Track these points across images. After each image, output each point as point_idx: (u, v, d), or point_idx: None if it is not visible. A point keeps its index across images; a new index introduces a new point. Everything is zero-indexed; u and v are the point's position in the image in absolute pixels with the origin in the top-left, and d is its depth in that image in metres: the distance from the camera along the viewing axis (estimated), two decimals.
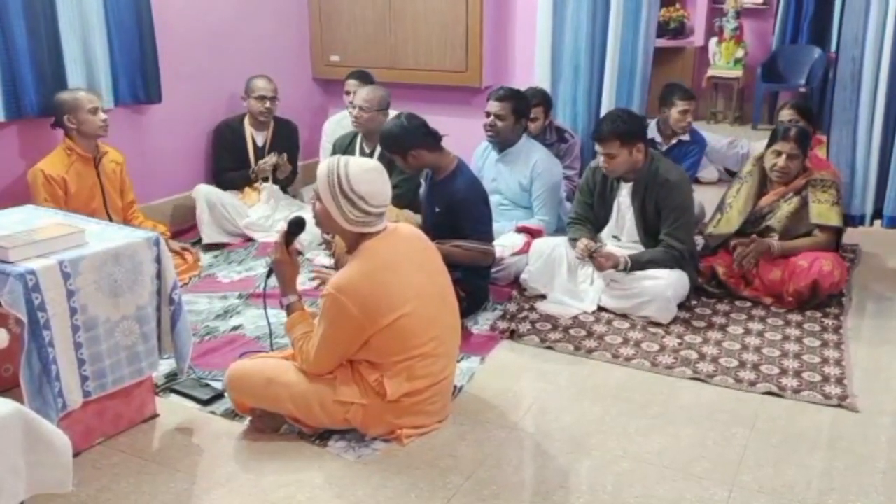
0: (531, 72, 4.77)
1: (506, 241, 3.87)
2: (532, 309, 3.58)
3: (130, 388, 2.56)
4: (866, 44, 4.11)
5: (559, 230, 4.10)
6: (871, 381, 2.98)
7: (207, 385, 2.86)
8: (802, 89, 7.51)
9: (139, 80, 4.32)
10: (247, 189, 4.66)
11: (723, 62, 7.79)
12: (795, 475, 2.38)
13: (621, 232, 3.69)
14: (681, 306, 3.53)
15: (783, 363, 3.09)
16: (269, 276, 2.68)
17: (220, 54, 4.84)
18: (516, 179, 4.14)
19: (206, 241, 4.41)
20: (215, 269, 4.08)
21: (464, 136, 4.12)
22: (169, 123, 4.60)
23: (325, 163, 2.47)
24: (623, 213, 3.67)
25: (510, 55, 5.06)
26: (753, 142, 6.12)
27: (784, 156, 3.67)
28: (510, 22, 5.02)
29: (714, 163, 5.94)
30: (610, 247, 3.64)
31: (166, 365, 2.85)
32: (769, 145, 3.79)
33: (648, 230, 3.60)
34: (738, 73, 7.75)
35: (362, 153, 4.28)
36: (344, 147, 4.38)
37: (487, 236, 3.44)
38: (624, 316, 3.50)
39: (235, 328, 3.38)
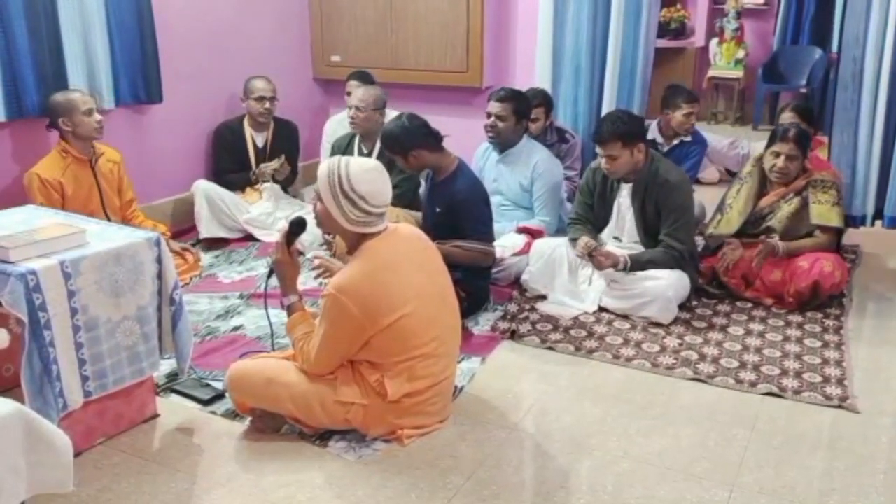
0: (532, 72, 4.77)
1: (506, 242, 3.87)
2: (533, 309, 3.58)
3: (131, 388, 2.56)
4: (867, 44, 4.11)
5: (560, 231, 4.10)
6: (871, 381, 2.98)
7: (208, 385, 2.86)
8: (803, 90, 7.51)
9: (140, 80, 4.32)
10: (248, 189, 4.66)
11: (723, 63, 7.79)
12: (796, 476, 2.38)
13: (622, 232, 3.69)
14: (681, 307, 3.53)
15: (784, 364, 3.09)
16: (269, 276, 2.68)
17: (221, 54, 4.84)
18: (517, 180, 4.14)
19: (203, 234, 4.41)
20: (216, 270, 4.08)
21: (465, 137, 4.12)
22: (170, 123, 4.60)
23: (326, 163, 2.47)
24: (623, 214, 3.67)
25: (511, 56, 5.06)
26: (754, 142, 6.12)
27: (783, 157, 3.67)
28: (511, 22, 5.02)
29: (715, 163, 5.94)
30: (610, 247, 3.64)
31: (167, 365, 2.85)
32: (768, 146, 3.79)
33: (649, 231, 3.60)
34: (738, 73, 7.75)
35: (360, 154, 4.28)
36: (342, 148, 4.38)
37: (488, 237, 3.44)
38: (625, 316, 3.50)
39: (236, 328, 3.38)
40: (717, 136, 6.20)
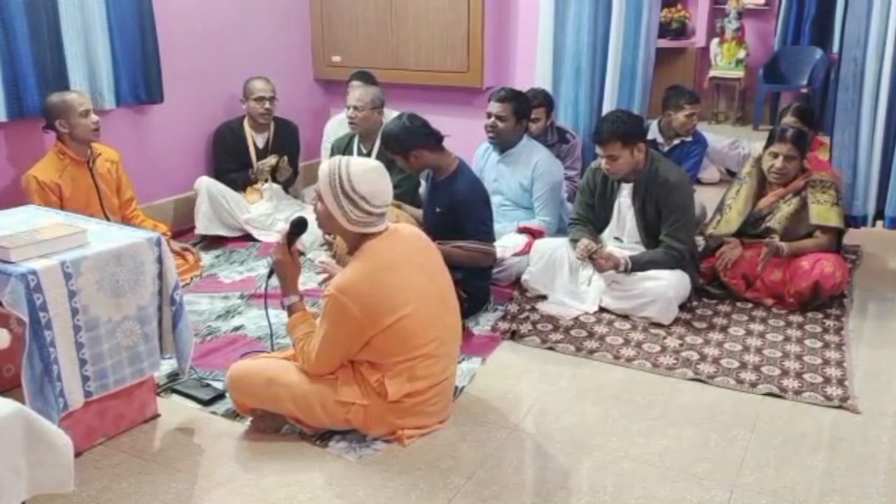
0: (532, 73, 4.77)
1: (507, 242, 3.87)
2: (533, 310, 3.58)
3: (132, 388, 2.56)
4: (868, 45, 4.11)
5: (560, 231, 4.10)
6: (872, 382, 2.98)
7: (208, 385, 2.86)
8: (804, 90, 7.51)
9: (141, 80, 4.32)
10: (249, 189, 4.67)
11: (724, 63, 7.79)
12: (796, 476, 2.38)
13: (623, 233, 3.69)
14: (682, 307, 3.52)
15: (784, 364, 3.09)
16: (270, 276, 2.68)
17: (222, 54, 4.84)
18: (517, 180, 4.14)
19: (199, 230, 4.43)
20: (216, 270, 4.08)
21: (465, 137, 4.12)
22: (170, 123, 4.60)
23: (327, 163, 2.47)
24: (624, 215, 3.66)
25: (511, 56, 5.07)
26: (755, 143, 6.11)
27: (781, 157, 3.67)
28: (511, 23, 5.02)
29: (715, 163, 5.94)
30: (610, 248, 3.64)
31: (167, 365, 2.86)
32: (766, 147, 3.79)
33: (649, 231, 3.60)
34: (739, 73, 7.75)
35: (360, 154, 4.29)
36: (342, 149, 4.39)
37: (488, 237, 3.44)
38: (625, 317, 3.50)
39: (237, 328, 3.38)
40: (718, 137, 6.20)
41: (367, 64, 5.15)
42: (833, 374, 3.01)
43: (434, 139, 3.36)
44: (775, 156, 3.70)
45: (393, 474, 2.38)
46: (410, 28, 5.15)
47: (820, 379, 2.97)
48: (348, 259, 2.52)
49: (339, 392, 2.44)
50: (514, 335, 3.33)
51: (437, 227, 3.33)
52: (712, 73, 7.87)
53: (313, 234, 3.86)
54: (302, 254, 4.02)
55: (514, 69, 5.05)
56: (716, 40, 7.83)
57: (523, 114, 4.09)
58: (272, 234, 4.39)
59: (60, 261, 2.29)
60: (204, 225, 4.42)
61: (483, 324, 3.43)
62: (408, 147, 3.34)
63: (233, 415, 2.68)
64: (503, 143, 4.12)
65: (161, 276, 2.56)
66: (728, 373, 3.02)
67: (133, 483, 2.33)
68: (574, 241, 3.64)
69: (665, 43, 7.46)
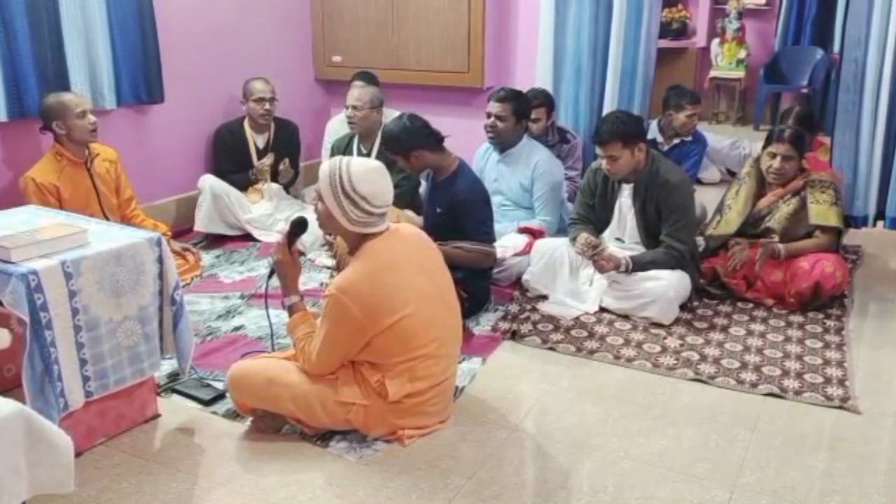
0: (533, 73, 4.77)
1: (507, 242, 3.87)
2: (534, 310, 3.58)
3: (132, 388, 2.56)
4: (869, 45, 4.11)
5: (561, 231, 4.10)
6: (872, 382, 2.98)
7: (209, 385, 2.86)
8: (804, 90, 7.51)
9: (141, 80, 4.32)
10: (250, 189, 4.67)
11: (725, 63, 7.78)
12: (797, 477, 2.38)
13: (623, 233, 3.69)
14: (682, 307, 3.52)
15: (785, 364, 3.08)
16: (270, 276, 2.68)
17: (223, 54, 4.84)
18: (517, 180, 4.14)
19: (198, 228, 4.43)
20: (217, 270, 4.09)
21: (465, 137, 4.12)
22: (171, 123, 4.61)
23: (328, 163, 2.47)
24: (625, 215, 3.66)
25: (512, 56, 5.07)
26: (755, 143, 6.09)
27: (779, 157, 3.68)
28: (512, 23, 5.02)
29: (716, 164, 5.94)
30: (612, 248, 3.64)
31: (168, 365, 2.86)
32: (764, 147, 3.80)
33: (650, 231, 3.60)
34: (740, 73, 7.74)
35: (360, 154, 4.29)
36: (342, 149, 4.40)
37: (489, 237, 3.44)
38: (625, 317, 3.50)
39: (237, 328, 3.38)
40: (719, 137, 6.20)
41: (367, 64, 5.15)
42: (834, 374, 3.01)
43: (435, 139, 3.36)
44: (773, 156, 3.70)
45: (393, 474, 2.38)
46: (411, 28, 5.15)
47: (820, 379, 2.97)
48: (349, 259, 2.52)
49: (340, 392, 2.44)
50: (514, 335, 3.33)
51: (437, 228, 3.33)
52: (713, 73, 7.87)
53: (314, 234, 3.86)
54: (302, 254, 4.03)
55: (514, 69, 5.05)
56: (716, 40, 7.82)
57: (523, 114, 4.09)
58: (272, 235, 4.39)
59: (61, 261, 2.29)
60: (204, 223, 4.43)
61: (483, 324, 3.43)
62: (408, 147, 3.34)
63: (233, 415, 2.68)
64: (503, 142, 4.12)
65: (161, 276, 2.56)
66: (728, 373, 3.02)
67: (133, 483, 2.33)
68: (574, 241, 3.64)
69: (666, 43, 7.46)
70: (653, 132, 4.51)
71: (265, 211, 4.58)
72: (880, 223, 4.37)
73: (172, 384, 2.86)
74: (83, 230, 2.44)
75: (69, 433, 1.88)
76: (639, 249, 3.61)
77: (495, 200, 3.84)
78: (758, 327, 3.43)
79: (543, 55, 4.70)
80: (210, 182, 4.45)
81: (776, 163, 3.69)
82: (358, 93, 4.28)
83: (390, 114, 4.31)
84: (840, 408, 2.77)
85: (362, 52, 5.33)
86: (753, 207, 3.79)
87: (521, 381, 3.02)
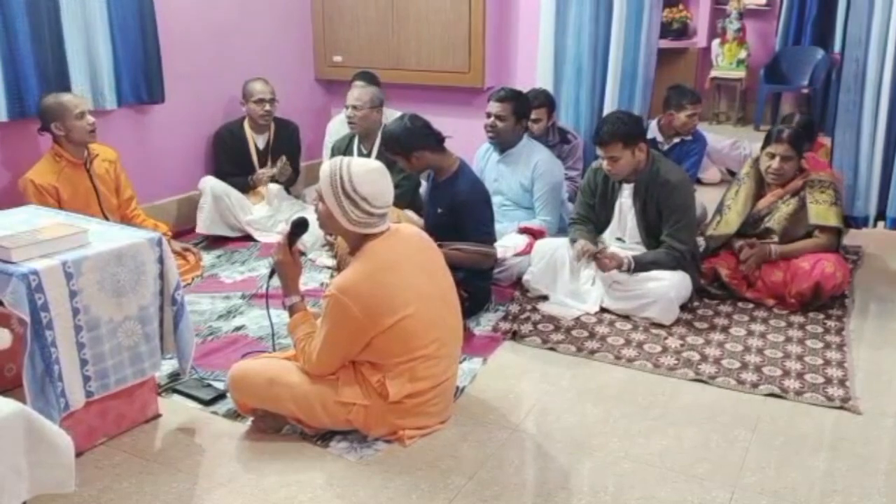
0: (533, 73, 4.77)
1: (508, 242, 3.87)
2: (534, 310, 3.58)
3: (133, 388, 2.56)
4: (870, 45, 4.11)
5: (561, 231, 4.10)
6: (873, 382, 2.98)
7: (209, 385, 2.86)
8: (805, 90, 7.51)
9: (142, 80, 4.32)
10: (250, 190, 4.67)
11: (725, 63, 7.79)
12: (798, 477, 2.38)
13: (624, 233, 3.69)
14: (683, 307, 3.52)
15: (785, 365, 3.08)
16: (271, 276, 2.68)
17: (223, 54, 4.84)
18: (518, 180, 4.14)
19: (200, 230, 4.43)
20: (218, 270, 4.09)
21: (466, 137, 4.12)
22: (172, 123, 4.61)
23: (328, 163, 2.47)
24: (625, 215, 3.66)
25: (512, 56, 5.07)
26: (756, 143, 6.09)
27: (778, 158, 3.68)
28: (512, 23, 5.02)
29: (716, 164, 5.94)
30: (613, 248, 3.64)
31: (169, 365, 2.86)
32: (763, 147, 3.80)
33: (650, 231, 3.60)
34: (740, 74, 7.75)
35: (360, 154, 4.29)
36: (342, 149, 4.40)
37: (489, 237, 3.44)
38: (626, 317, 3.49)
39: (238, 328, 3.38)
40: (719, 137, 6.20)
41: (367, 64, 5.15)
42: (834, 374, 3.01)
43: (435, 140, 3.36)
44: (772, 156, 3.70)
45: (394, 474, 2.38)
46: (411, 28, 5.15)
47: (821, 379, 2.97)
48: (349, 259, 2.52)
49: (340, 392, 2.45)
50: (515, 335, 3.33)
51: (437, 228, 3.33)
52: (713, 73, 7.87)
53: (314, 234, 3.86)
54: (303, 254, 4.03)
55: (515, 70, 5.05)
56: (717, 41, 7.83)
57: (523, 114, 4.09)
58: (273, 236, 4.39)
59: (62, 261, 2.29)
60: (205, 224, 4.43)
61: (484, 324, 3.43)
62: (409, 148, 3.34)
63: (234, 415, 2.68)
64: (503, 143, 4.12)
65: (162, 276, 2.56)
66: (729, 373, 3.02)
67: (134, 483, 2.34)
68: (573, 241, 3.64)
69: (666, 43, 7.45)
70: (652, 131, 4.51)
71: (266, 212, 4.58)
72: (881, 224, 4.37)
73: (173, 384, 2.86)
74: (84, 230, 2.44)
75: (70, 433, 1.88)
76: (640, 249, 3.61)
77: (495, 200, 3.84)
78: (758, 327, 3.43)
79: (544, 55, 4.71)
80: (211, 184, 4.45)
81: (775, 163, 3.69)
82: (358, 93, 4.28)
83: (391, 114, 4.32)
84: (841, 408, 2.77)
85: (363, 52, 5.33)
86: (753, 208, 3.79)
87: (522, 382, 3.02)
